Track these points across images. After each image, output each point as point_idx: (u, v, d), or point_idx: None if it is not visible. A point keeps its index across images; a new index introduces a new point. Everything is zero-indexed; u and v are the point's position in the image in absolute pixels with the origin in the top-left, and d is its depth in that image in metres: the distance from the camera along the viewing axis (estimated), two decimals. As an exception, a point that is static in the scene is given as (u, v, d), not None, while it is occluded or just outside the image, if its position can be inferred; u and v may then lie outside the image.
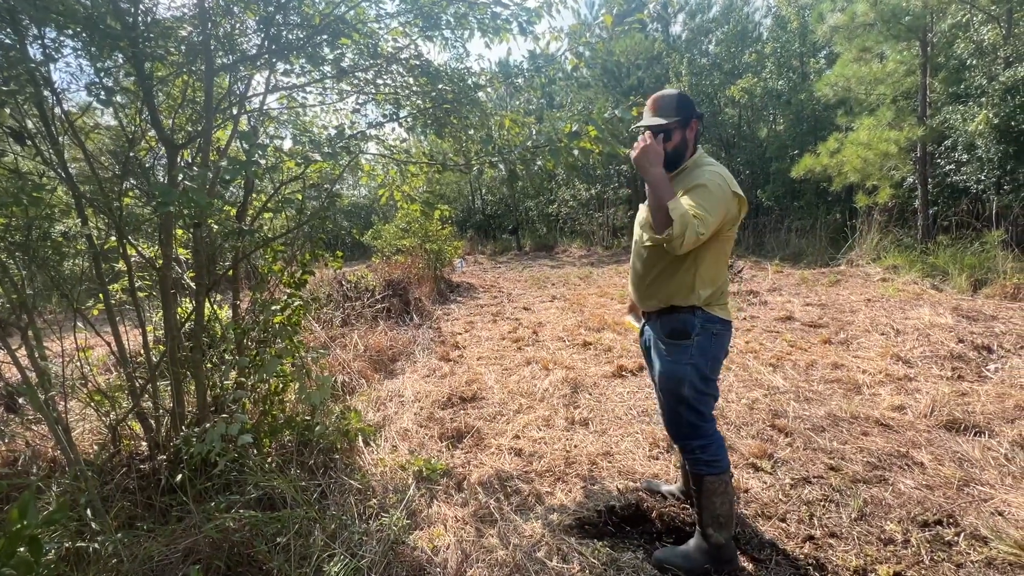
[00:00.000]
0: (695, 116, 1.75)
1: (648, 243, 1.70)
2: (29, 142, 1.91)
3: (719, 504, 1.76)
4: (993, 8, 6.79)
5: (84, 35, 1.85)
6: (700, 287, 1.71)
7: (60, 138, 2.00)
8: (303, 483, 2.16)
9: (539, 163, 2.36)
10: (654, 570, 1.83)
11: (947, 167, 7.50)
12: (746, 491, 2.26)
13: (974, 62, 7.10)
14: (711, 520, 1.78)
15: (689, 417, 1.77)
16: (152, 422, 2.28)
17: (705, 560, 1.80)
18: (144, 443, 2.28)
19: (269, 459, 2.29)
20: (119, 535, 1.66)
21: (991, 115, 6.26)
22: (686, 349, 1.74)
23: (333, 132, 2.32)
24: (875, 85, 7.95)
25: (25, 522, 1.15)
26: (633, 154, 1.65)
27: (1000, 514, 2.00)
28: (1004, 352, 3.71)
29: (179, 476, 1.95)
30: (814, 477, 2.33)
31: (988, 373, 3.40)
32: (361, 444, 2.72)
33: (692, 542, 1.86)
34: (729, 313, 1.80)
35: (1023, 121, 6.07)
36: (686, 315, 1.74)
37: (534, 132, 2.30)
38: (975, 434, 2.63)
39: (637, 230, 1.85)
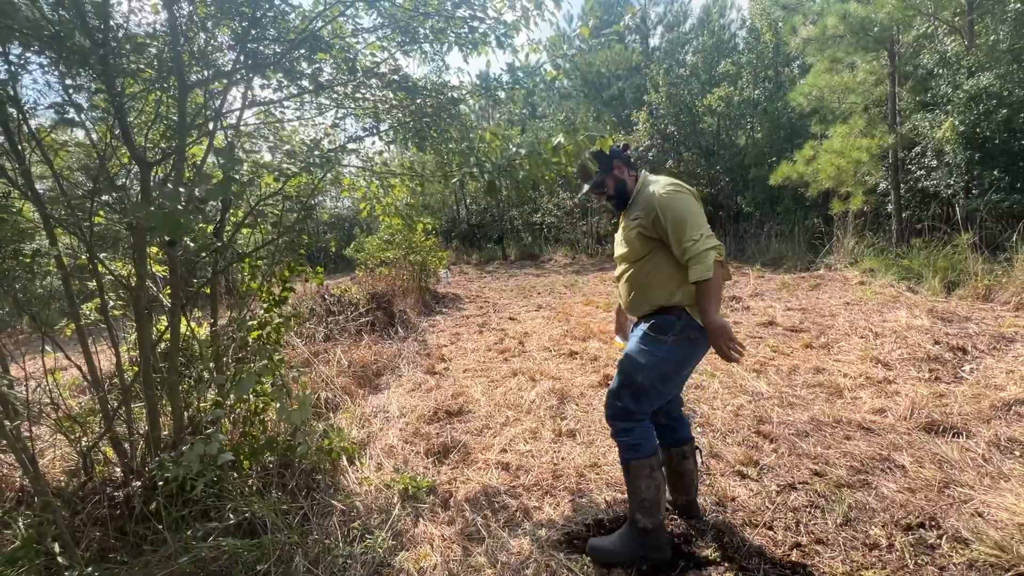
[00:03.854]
0: (613, 158, 1.97)
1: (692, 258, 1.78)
2: (-8, 161, 1.85)
3: (644, 488, 1.81)
4: (956, 20, 7.07)
5: (51, 52, 1.80)
6: (679, 285, 1.81)
7: (27, 156, 1.95)
8: (284, 506, 2.10)
9: (522, 174, 2.37)
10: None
11: (918, 172, 7.73)
12: (733, 499, 2.26)
13: (940, 71, 7.36)
14: (637, 505, 1.83)
15: (627, 402, 1.83)
16: (126, 447, 2.20)
17: (633, 546, 1.85)
18: (118, 469, 2.20)
19: (249, 482, 2.23)
20: (89, 569, 1.59)
21: (957, 122, 6.48)
22: (660, 345, 1.81)
23: (309, 143, 2.30)
24: (847, 94, 8.19)
25: (-15, 561, 1.09)
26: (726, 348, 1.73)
27: (980, 515, 2.03)
28: (978, 353, 3.81)
29: (154, 504, 1.88)
30: (799, 483, 2.35)
31: (964, 374, 3.48)
32: (345, 463, 2.67)
33: (622, 528, 1.92)
34: None
35: (987, 128, 6.30)
36: (672, 316, 1.83)
37: (512, 148, 2.30)
38: (953, 435, 2.68)
39: (618, 248, 2.00)
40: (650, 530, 1.83)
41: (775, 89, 11.31)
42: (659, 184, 1.84)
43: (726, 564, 1.88)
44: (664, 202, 1.77)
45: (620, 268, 2.02)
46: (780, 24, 10.68)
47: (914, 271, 6.44)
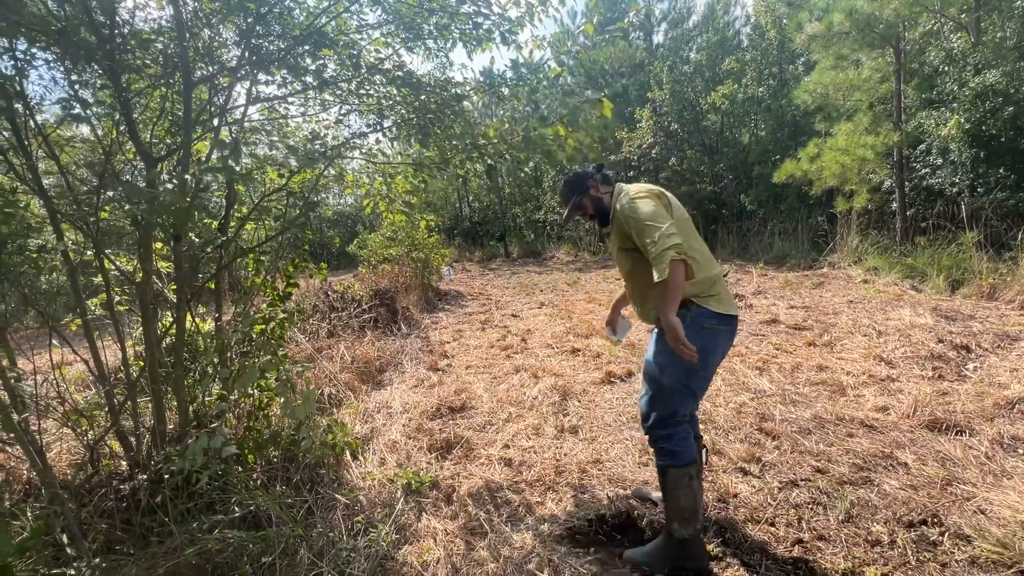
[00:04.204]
0: (587, 180, 2.01)
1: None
2: (0, 156, 1.86)
3: (682, 497, 1.78)
4: (962, 16, 7.01)
5: (57, 48, 1.81)
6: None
7: (34, 151, 1.96)
8: (289, 500, 2.11)
9: (525, 170, 2.40)
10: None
11: (923, 170, 7.69)
12: (735, 496, 2.27)
13: (945, 68, 7.31)
14: (675, 514, 1.80)
15: (661, 409, 1.81)
16: (132, 440, 2.22)
17: (670, 556, 1.82)
18: (124, 462, 2.22)
19: (254, 476, 2.24)
20: (97, 560, 1.61)
21: (962, 120, 6.44)
22: None
23: (310, 137, 2.30)
24: (852, 91, 8.14)
25: (-5, 551, 1.11)
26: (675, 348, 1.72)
27: (983, 512, 2.03)
28: (982, 351, 3.79)
29: (160, 496, 1.90)
30: (801, 480, 2.35)
31: (967, 372, 3.47)
32: (348, 458, 2.68)
33: (659, 538, 1.89)
34: (728, 306, 1.83)
35: (993, 126, 6.26)
36: (680, 310, 1.77)
37: (517, 129, 2.33)
38: (956, 433, 2.68)
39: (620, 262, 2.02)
40: (687, 540, 1.79)
41: (779, 86, 11.25)
42: (625, 194, 1.87)
43: (728, 560, 1.88)
44: (627, 212, 1.80)
45: (626, 284, 2.06)
46: (785, 21, 10.63)
47: (918, 269, 6.42)
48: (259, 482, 2.17)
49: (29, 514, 1.84)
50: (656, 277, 1.66)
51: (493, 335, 5.49)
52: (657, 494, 2.26)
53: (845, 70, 8.16)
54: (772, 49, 11.37)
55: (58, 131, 2.24)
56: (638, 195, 1.82)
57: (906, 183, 7.87)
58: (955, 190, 7.04)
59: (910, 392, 3.15)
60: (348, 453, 2.70)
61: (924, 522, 2.00)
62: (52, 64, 2.06)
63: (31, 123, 1.95)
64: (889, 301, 5.53)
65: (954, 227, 6.91)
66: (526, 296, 8.08)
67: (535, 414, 3.27)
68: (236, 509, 1.92)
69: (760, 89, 11.46)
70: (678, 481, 1.78)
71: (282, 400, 2.33)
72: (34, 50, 1.91)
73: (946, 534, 1.92)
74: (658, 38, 17.67)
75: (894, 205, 8.04)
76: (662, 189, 1.89)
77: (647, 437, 1.88)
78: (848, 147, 7.66)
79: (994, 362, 3.56)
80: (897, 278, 6.41)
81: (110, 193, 2.12)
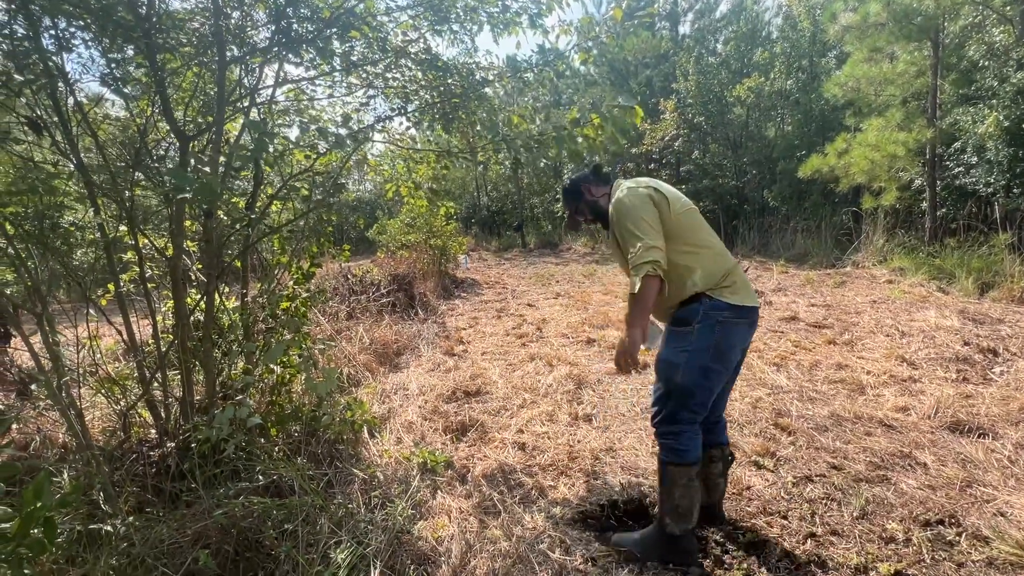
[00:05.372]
0: (582, 185, 2.01)
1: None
2: (45, 132, 1.93)
3: (679, 496, 1.76)
4: (1006, 9, 6.72)
5: (95, 26, 1.87)
6: (688, 276, 1.76)
7: (74, 128, 2.03)
8: (310, 472, 2.18)
9: (544, 161, 2.42)
10: (657, 564, 1.84)
11: (956, 169, 7.44)
12: (748, 488, 2.27)
13: (985, 63, 7.04)
14: (670, 510, 1.78)
15: (673, 408, 1.77)
16: (161, 410, 2.31)
17: (659, 549, 1.81)
18: (153, 430, 2.31)
19: (277, 448, 2.32)
20: (131, 518, 1.69)
21: (1001, 117, 6.21)
22: (685, 336, 1.75)
23: (339, 121, 2.34)
24: (885, 86, 7.89)
25: (40, 503, 1.17)
26: (621, 359, 1.79)
27: (1002, 515, 2.00)
28: (1010, 355, 3.70)
29: (188, 463, 1.98)
30: (816, 476, 2.34)
31: (993, 376, 3.39)
32: (366, 435, 2.75)
33: (649, 528, 1.88)
34: (746, 298, 1.76)
35: (1034, 123, 6.02)
36: (693, 304, 1.76)
37: (539, 120, 2.34)
38: (979, 436, 2.63)
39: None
40: (678, 536, 1.78)
41: (809, 80, 10.96)
42: (620, 191, 1.83)
43: (738, 551, 1.89)
44: (614, 213, 1.78)
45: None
46: (819, 11, 10.32)
47: (946, 271, 6.25)
48: (281, 454, 2.24)
49: (66, 475, 1.94)
50: (630, 289, 1.68)
51: (509, 323, 5.52)
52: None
53: (879, 63, 7.90)
54: (803, 41, 11.07)
55: (95, 109, 2.31)
56: (630, 194, 1.77)
57: (937, 182, 7.64)
58: (990, 190, 6.81)
59: (932, 393, 3.10)
60: (366, 431, 2.77)
61: (941, 522, 1.98)
62: (90, 43, 2.12)
63: (70, 100, 2.01)
64: (914, 302, 5.41)
65: (986, 228, 6.70)
66: (542, 286, 8.09)
67: (549, 401, 3.30)
68: (260, 478, 1.99)
69: (788, 82, 11.17)
70: (677, 479, 1.75)
71: (304, 376, 2.40)
72: (73, 28, 1.97)
73: (963, 534, 1.90)
74: (684, 28, 17.32)
75: (923, 204, 7.81)
76: (656, 185, 1.81)
77: (655, 432, 1.84)
78: (878, 143, 7.45)
79: (1022, 367, 3.47)
80: (923, 279, 6.25)
81: (142, 173, 2.19)
